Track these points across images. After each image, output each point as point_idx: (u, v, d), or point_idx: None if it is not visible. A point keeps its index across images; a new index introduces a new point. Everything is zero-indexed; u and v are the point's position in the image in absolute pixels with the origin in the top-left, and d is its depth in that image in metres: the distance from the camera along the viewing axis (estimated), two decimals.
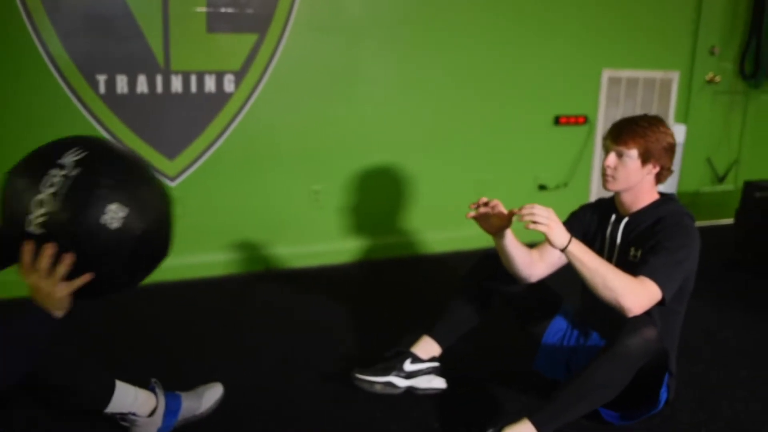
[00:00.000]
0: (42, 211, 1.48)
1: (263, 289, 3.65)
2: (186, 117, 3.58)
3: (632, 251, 2.28)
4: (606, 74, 4.49)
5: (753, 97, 5.04)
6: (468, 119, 4.19)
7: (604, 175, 2.30)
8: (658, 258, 2.12)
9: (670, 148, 2.28)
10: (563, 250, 2.05)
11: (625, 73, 4.55)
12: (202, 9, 3.45)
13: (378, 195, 4.09)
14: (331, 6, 3.76)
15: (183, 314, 3.29)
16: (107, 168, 1.55)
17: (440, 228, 4.26)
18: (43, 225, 1.48)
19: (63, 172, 1.50)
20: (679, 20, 4.66)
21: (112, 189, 1.53)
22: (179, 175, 3.63)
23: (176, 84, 3.52)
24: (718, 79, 4.82)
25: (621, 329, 2.05)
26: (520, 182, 4.39)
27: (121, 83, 3.42)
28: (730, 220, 4.45)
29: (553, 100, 4.41)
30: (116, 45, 3.38)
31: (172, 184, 3.62)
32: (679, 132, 4.38)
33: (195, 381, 2.39)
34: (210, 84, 3.59)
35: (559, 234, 2.03)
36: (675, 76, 4.72)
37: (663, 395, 2.29)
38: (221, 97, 3.62)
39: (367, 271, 3.96)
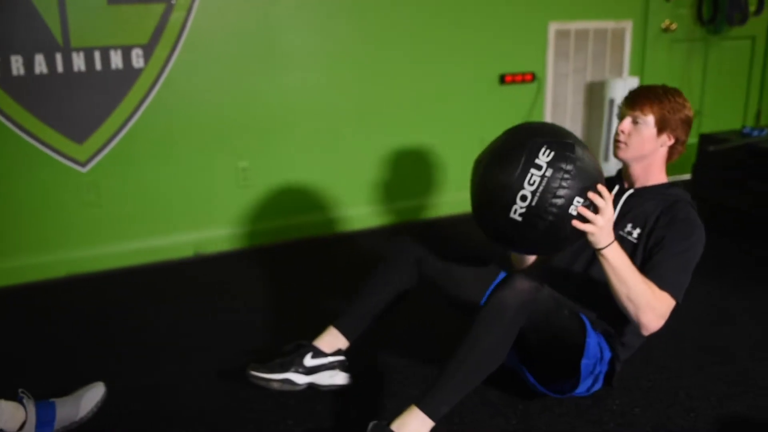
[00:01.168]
0: (524, 204, 1.81)
1: (189, 275, 3.45)
2: (93, 97, 3.33)
3: (628, 227, 2.15)
4: (553, 27, 4.23)
5: (713, 44, 4.79)
6: (404, 83, 3.94)
7: (616, 141, 2.18)
8: (671, 264, 2.04)
9: (687, 122, 2.15)
10: (598, 251, 1.93)
11: (574, 25, 4.29)
12: None
13: (310, 170, 3.87)
14: None
15: (90, 308, 3.08)
16: (568, 169, 1.82)
17: (379, 201, 4.05)
18: (522, 215, 1.82)
19: (540, 173, 1.80)
20: None
21: (571, 188, 1.82)
22: (90, 159, 3.39)
23: (78, 62, 3.26)
24: (674, 26, 4.56)
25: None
26: (466, 146, 4.14)
27: (17, 64, 3.16)
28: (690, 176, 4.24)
29: (497, 58, 4.16)
30: (7, 23, 3.12)
31: (82, 170, 3.38)
32: (632, 85, 4.14)
33: (91, 380, 2.22)
34: (116, 60, 3.33)
35: (604, 237, 1.90)
36: (628, 26, 4.46)
37: (597, 372, 2.12)
38: (130, 74, 3.37)
39: (298, 251, 3.75)
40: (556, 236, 1.88)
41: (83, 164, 3.39)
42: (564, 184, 1.81)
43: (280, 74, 3.67)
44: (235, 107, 3.62)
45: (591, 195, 1.83)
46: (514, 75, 4.20)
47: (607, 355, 2.13)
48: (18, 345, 2.73)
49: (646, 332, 2.00)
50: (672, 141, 2.14)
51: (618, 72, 4.46)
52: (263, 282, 3.30)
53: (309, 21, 3.68)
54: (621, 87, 4.12)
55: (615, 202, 2.17)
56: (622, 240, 2.08)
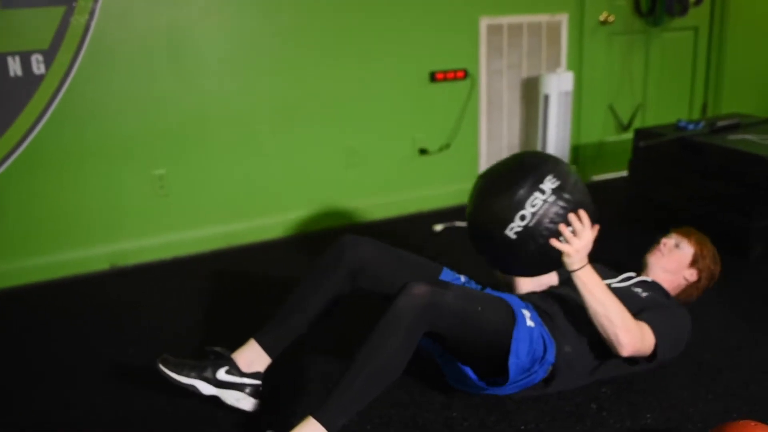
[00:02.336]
0: (522, 223, 1.93)
1: (103, 290, 3.30)
2: None
3: (637, 289, 2.37)
4: (484, 22, 4.10)
5: (654, 36, 4.68)
6: (327, 83, 3.80)
7: (656, 244, 2.51)
8: (659, 314, 2.18)
9: (713, 277, 2.48)
10: (572, 272, 2.03)
11: (506, 20, 4.16)
12: None
13: (230, 176, 3.72)
14: None
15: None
16: (569, 199, 1.95)
17: (306, 206, 3.92)
18: (517, 234, 1.94)
19: (543, 197, 1.92)
20: None
21: (565, 216, 1.95)
22: None
23: None
24: (612, 18, 4.45)
25: None
26: (398, 147, 4.02)
27: None
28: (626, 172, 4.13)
29: (427, 55, 4.03)
30: None
31: None
32: (566, 80, 4.04)
33: None
34: (14, 67, 3.18)
35: (578, 259, 2.01)
36: (563, 19, 4.35)
37: (533, 368, 2.06)
38: (31, 81, 3.21)
39: (221, 260, 3.61)
40: (542, 260, 2.02)
41: None
42: (561, 212, 1.94)
43: (192, 78, 3.52)
44: (147, 113, 3.47)
45: (571, 217, 1.94)
46: (445, 72, 4.07)
47: (550, 358, 2.08)
48: None
49: (623, 351, 2.02)
50: (695, 278, 2.43)
51: (555, 67, 4.35)
52: (183, 295, 3.16)
53: (219, 22, 3.53)
54: (555, 81, 4.00)
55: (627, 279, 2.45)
56: (629, 293, 2.29)
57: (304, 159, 3.84)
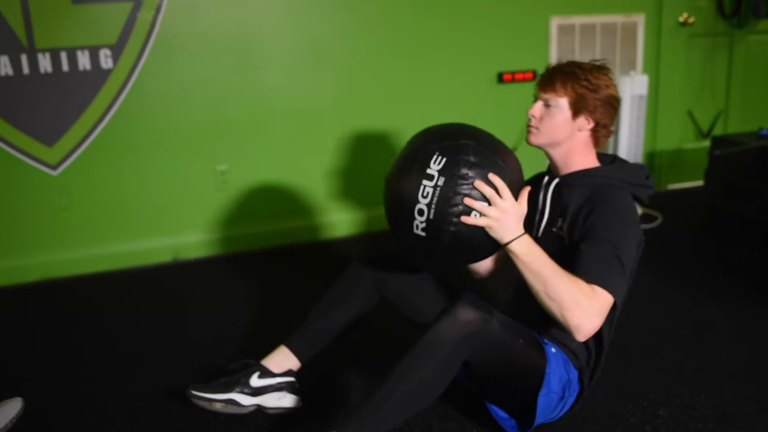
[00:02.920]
0: (423, 218, 1.71)
1: (164, 282, 3.34)
2: (61, 99, 3.26)
3: (559, 222, 1.93)
4: (555, 22, 3.98)
5: (738, 39, 4.44)
6: (392, 83, 3.76)
7: (528, 126, 2.00)
8: (600, 254, 1.75)
9: (610, 102, 1.90)
10: (505, 246, 1.73)
11: (578, 20, 4.02)
12: None
13: (292, 173, 3.72)
14: None
15: (58, 314, 2.99)
16: (465, 174, 1.68)
17: (368, 205, 3.87)
18: (424, 230, 1.72)
19: (432, 183, 1.69)
20: None
21: (470, 193, 1.69)
22: (61, 162, 3.33)
23: (44, 63, 3.20)
24: (692, 20, 4.24)
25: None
26: None
27: None
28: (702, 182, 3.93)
29: (495, 56, 3.93)
30: None
31: (53, 173, 3.33)
32: (640, 84, 3.85)
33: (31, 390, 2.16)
34: (84, 61, 3.26)
35: (506, 230, 1.72)
36: (640, 20, 4.17)
37: (566, 398, 1.91)
38: (99, 75, 3.29)
39: (279, 257, 3.60)
40: (469, 245, 1.76)
41: (54, 167, 3.33)
42: (461, 190, 1.67)
43: (257, 74, 3.54)
44: (211, 108, 3.50)
45: (477, 184, 1.67)
46: (513, 73, 3.96)
47: (574, 375, 1.92)
48: None
49: (579, 335, 1.69)
50: (592, 124, 1.90)
51: (630, 69, 4.17)
52: (240, 290, 3.16)
53: (285, 18, 3.54)
54: (628, 85, 3.83)
55: (544, 196, 2.00)
56: (555, 237, 1.92)
57: (366, 158, 3.80)
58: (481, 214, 1.69)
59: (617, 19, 4.10)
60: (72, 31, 3.22)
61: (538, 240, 1.85)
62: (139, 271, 3.48)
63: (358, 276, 2.19)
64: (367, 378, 2.30)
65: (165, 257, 3.57)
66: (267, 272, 3.38)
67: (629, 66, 4.19)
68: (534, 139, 1.98)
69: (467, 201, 1.67)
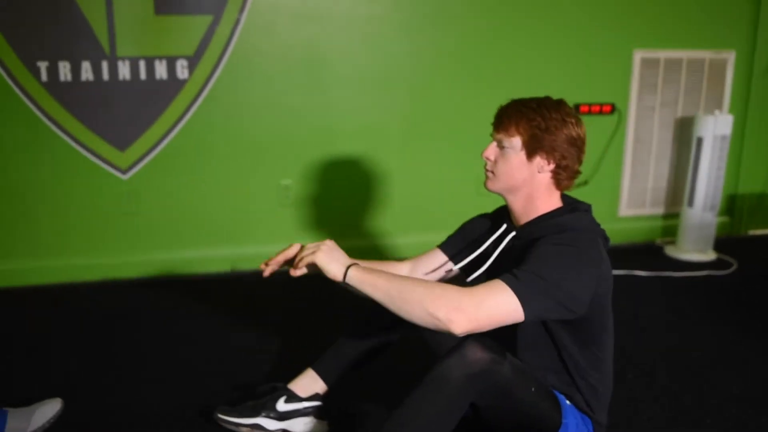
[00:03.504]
0: None
1: (221, 292, 3.38)
2: (136, 106, 3.35)
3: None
4: (638, 55, 3.84)
5: None
6: (463, 108, 3.69)
7: (485, 170, 1.83)
8: (521, 268, 1.59)
9: (571, 141, 1.72)
10: (344, 283, 1.66)
11: (664, 54, 3.87)
12: None
13: (356, 193, 3.71)
14: None
15: (113, 316, 3.05)
16: None
17: (431, 228, 3.80)
18: None
19: None
20: None
21: None
22: (131, 167, 3.41)
23: (124, 71, 3.29)
24: None
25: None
26: None
27: (64, 70, 3.24)
28: None
29: (571, 86, 3.82)
30: (57, 30, 3.19)
31: (123, 177, 3.41)
32: (724, 123, 3.68)
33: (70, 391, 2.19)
34: (161, 70, 3.34)
35: (331, 262, 1.68)
36: (730, 57, 3.98)
37: None
38: (174, 85, 3.37)
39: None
40: None
41: (124, 172, 3.41)
42: None
43: (326, 92, 3.55)
44: (280, 123, 3.53)
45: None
46: (590, 105, 3.84)
47: (590, 427, 1.80)
48: (18, 346, 2.76)
49: (453, 326, 1.50)
50: (552, 165, 1.73)
51: (716, 108, 3.99)
52: (297, 306, 3.16)
53: (358, 38, 3.53)
54: (711, 124, 3.66)
55: (495, 244, 1.86)
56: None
57: (430, 180, 3.75)
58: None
59: (705, 54, 3.93)
60: (152, 40, 3.30)
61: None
62: (198, 279, 3.52)
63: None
64: (395, 403, 2.24)
65: (224, 267, 3.61)
66: (323, 290, 3.36)
67: (715, 104, 4.00)
68: (491, 185, 1.81)
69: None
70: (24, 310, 3.15)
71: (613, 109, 3.87)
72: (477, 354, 1.57)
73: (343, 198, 3.69)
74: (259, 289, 3.40)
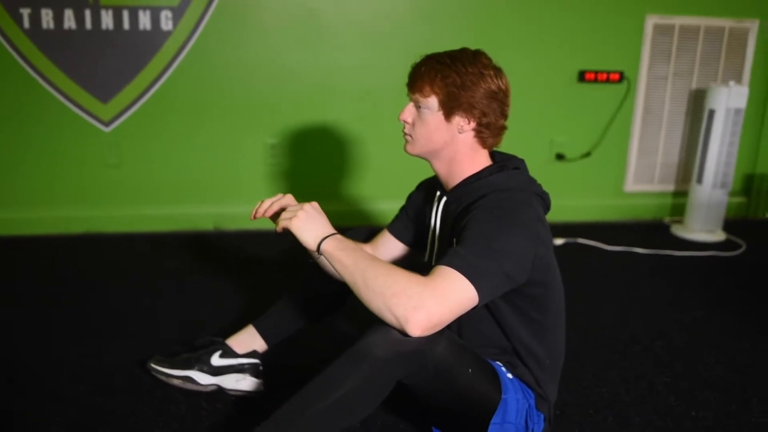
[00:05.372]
0: None
1: (203, 249, 3.30)
2: (120, 56, 3.28)
3: (454, 242, 1.57)
4: (651, 20, 3.61)
5: None
6: None
7: (403, 133, 1.69)
8: (465, 245, 1.45)
9: (491, 95, 1.57)
10: (318, 253, 1.50)
11: (679, 20, 3.64)
12: None
13: (346, 156, 3.58)
14: None
15: (90, 269, 3.01)
16: None
17: None
18: None
19: None
20: None
21: None
22: (114, 120, 3.35)
23: (107, 20, 3.22)
24: None
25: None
26: (533, 149, 3.65)
27: (47, 18, 3.18)
28: None
29: (577, 51, 3.62)
30: None
31: (106, 130, 3.35)
32: (738, 96, 3.44)
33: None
34: (144, 21, 3.26)
35: (307, 230, 1.51)
36: (753, 26, 3.72)
37: (530, 427, 1.63)
38: (158, 36, 3.28)
39: None
40: None
41: (107, 124, 3.35)
42: None
43: (320, 50, 3.42)
44: (268, 81, 3.42)
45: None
46: (596, 72, 3.64)
47: (532, 401, 1.65)
48: None
49: (410, 328, 1.34)
50: (473, 124, 1.58)
51: (736, 79, 3.75)
52: (273, 265, 3.08)
53: None
54: (723, 96, 3.43)
55: (436, 214, 1.72)
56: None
57: None
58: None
59: (725, 23, 3.68)
60: None
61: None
62: (180, 235, 3.45)
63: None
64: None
65: (206, 225, 3.54)
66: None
67: (734, 76, 3.75)
68: (410, 149, 1.67)
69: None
70: (10, 259, 3.13)
71: (622, 77, 3.66)
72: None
73: (332, 160, 3.58)
74: (242, 248, 3.32)
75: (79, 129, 3.34)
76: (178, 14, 3.27)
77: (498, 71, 1.60)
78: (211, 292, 2.78)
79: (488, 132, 1.60)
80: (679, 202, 3.88)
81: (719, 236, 3.60)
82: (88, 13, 3.20)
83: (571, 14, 3.56)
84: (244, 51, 3.37)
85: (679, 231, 3.67)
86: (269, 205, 1.70)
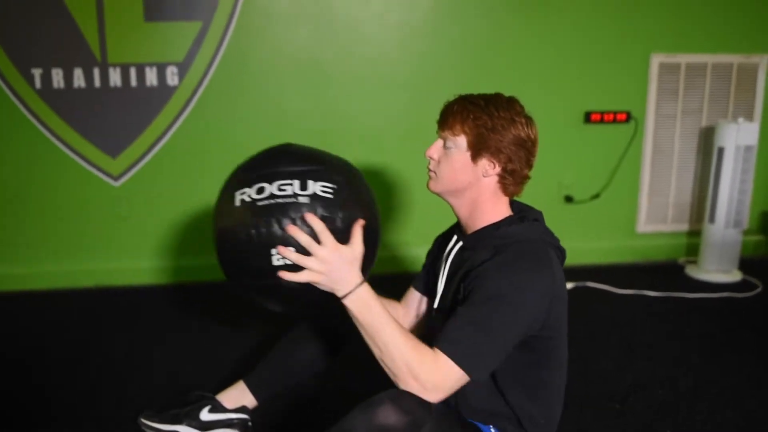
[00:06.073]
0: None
1: (214, 299, 3.33)
2: (128, 112, 3.36)
3: (461, 290, 1.56)
4: (656, 60, 3.59)
5: None
6: None
7: (428, 169, 1.68)
8: (462, 319, 1.45)
9: (519, 143, 1.56)
10: (340, 301, 1.46)
11: (685, 58, 3.60)
12: None
13: None
14: None
15: (96, 322, 3.06)
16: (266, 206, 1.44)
17: (423, 240, 3.66)
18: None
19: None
20: None
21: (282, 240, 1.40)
22: (123, 173, 3.42)
23: (115, 77, 3.31)
24: None
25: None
26: (542, 191, 3.61)
27: (57, 77, 3.28)
28: None
29: (583, 92, 3.61)
30: (50, 37, 3.24)
31: (115, 184, 3.42)
32: (748, 132, 3.38)
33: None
34: (151, 77, 3.34)
35: (339, 281, 1.42)
36: (762, 61, 3.67)
37: None
38: (165, 91, 3.36)
39: None
40: (304, 301, 1.50)
41: (116, 178, 3.42)
42: (274, 235, 1.40)
43: (322, 96, 3.47)
44: (273, 128, 3.46)
45: (290, 229, 1.38)
46: (602, 113, 3.61)
47: None
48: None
49: (429, 397, 1.42)
50: (498, 169, 1.57)
51: (747, 117, 3.69)
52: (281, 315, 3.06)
53: (356, 41, 3.44)
54: (732, 133, 3.37)
55: (446, 259, 1.69)
56: (452, 309, 1.55)
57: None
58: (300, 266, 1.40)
59: (733, 59, 3.64)
60: (142, 47, 3.30)
61: (435, 312, 1.60)
62: (190, 287, 3.49)
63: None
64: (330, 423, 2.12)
65: (216, 276, 3.55)
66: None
67: (746, 113, 3.70)
68: (433, 186, 1.65)
69: (280, 250, 1.39)
70: (16, 315, 3.19)
71: (629, 117, 3.63)
72: (390, 418, 1.39)
73: None
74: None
75: (89, 184, 3.41)
76: (183, 69, 3.35)
77: (529, 120, 1.60)
78: (218, 344, 2.80)
79: (511, 179, 1.60)
80: (693, 241, 3.80)
81: (735, 276, 3.51)
82: (96, 72, 3.30)
83: (576, 55, 3.56)
84: (247, 101, 3.43)
85: (693, 272, 3.59)
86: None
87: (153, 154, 3.42)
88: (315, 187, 1.42)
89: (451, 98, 1.65)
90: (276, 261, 1.38)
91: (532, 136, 1.59)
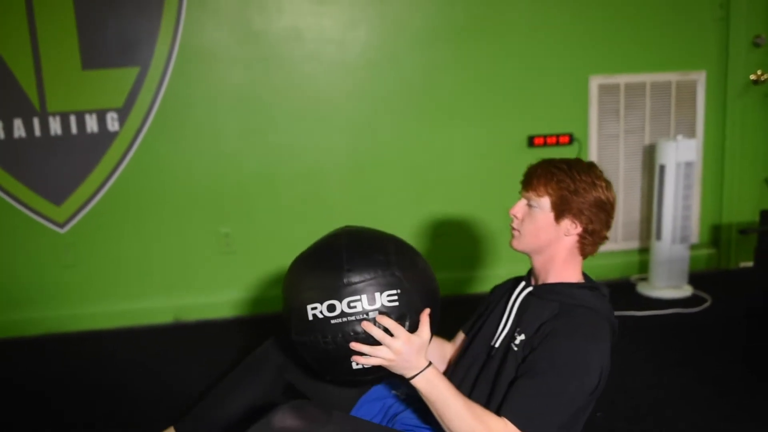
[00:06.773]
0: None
1: (162, 342, 3.32)
2: (70, 160, 3.37)
3: (518, 336, 1.65)
4: (594, 81, 3.63)
5: None
6: (406, 144, 3.57)
7: (511, 227, 1.77)
8: (527, 389, 1.54)
9: (599, 205, 1.65)
10: (408, 380, 1.55)
11: (623, 78, 3.65)
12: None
13: (298, 238, 3.59)
14: (218, 31, 3.38)
15: (51, 370, 3.04)
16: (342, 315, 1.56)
17: None
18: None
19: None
20: (699, 4, 3.68)
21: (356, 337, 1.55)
22: (68, 221, 3.42)
23: (55, 126, 3.33)
24: (766, 77, 3.73)
25: None
26: (489, 220, 3.64)
27: None
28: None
29: (525, 117, 3.64)
30: None
31: (61, 231, 3.43)
32: (687, 149, 3.41)
33: None
34: (91, 124, 3.36)
35: (406, 366, 1.52)
36: (700, 77, 3.72)
37: None
38: (105, 137, 3.38)
39: (273, 324, 3.47)
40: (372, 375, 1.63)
41: (61, 225, 3.43)
42: (348, 332, 1.53)
43: (262, 136, 3.49)
44: (215, 171, 3.48)
45: (365, 325, 1.51)
46: (545, 136, 3.64)
47: None
48: None
49: None
50: (579, 229, 1.65)
51: (689, 133, 3.72)
52: (233, 355, 3.07)
53: (297, 82, 3.47)
54: (672, 150, 3.40)
55: (514, 302, 1.75)
56: (510, 352, 1.64)
57: (378, 225, 3.61)
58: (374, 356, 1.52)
59: (671, 77, 3.68)
60: (81, 95, 3.33)
61: (494, 352, 1.66)
62: (140, 330, 3.48)
63: (266, 355, 2.02)
64: None
65: (167, 318, 3.55)
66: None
67: (688, 129, 3.73)
68: (517, 244, 1.73)
69: (354, 345, 1.51)
70: None
71: (572, 139, 3.66)
72: (286, 422, 1.45)
73: (283, 243, 3.59)
74: (202, 339, 3.33)
75: (34, 232, 3.41)
76: (123, 114, 3.37)
77: (609, 185, 1.69)
78: (171, 386, 2.80)
79: (590, 239, 1.68)
80: (645, 258, 3.80)
81: (685, 291, 3.52)
82: (36, 121, 3.31)
83: (515, 81, 3.60)
84: (188, 144, 3.45)
85: (644, 289, 3.59)
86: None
87: (98, 199, 3.42)
88: (381, 299, 1.53)
89: (534, 162, 1.76)
90: (354, 366, 1.55)
91: (612, 200, 1.69)
